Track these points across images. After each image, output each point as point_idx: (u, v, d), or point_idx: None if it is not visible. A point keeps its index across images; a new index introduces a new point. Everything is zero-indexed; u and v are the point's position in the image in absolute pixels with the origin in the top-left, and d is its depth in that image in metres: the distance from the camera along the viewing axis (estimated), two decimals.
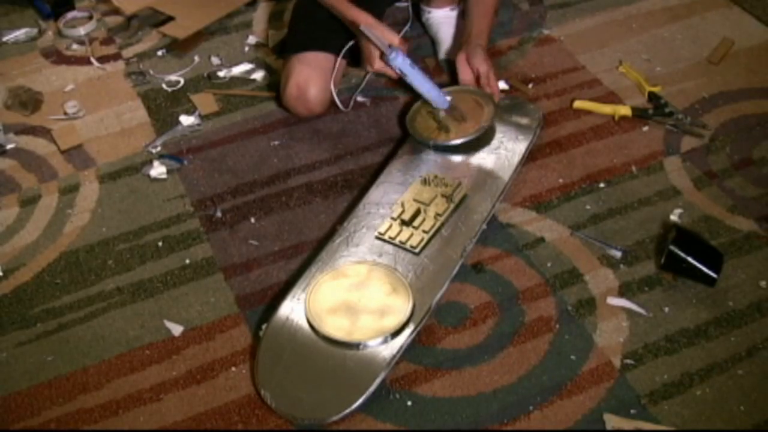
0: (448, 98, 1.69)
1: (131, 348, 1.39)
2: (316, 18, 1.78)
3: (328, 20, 1.75)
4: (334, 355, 1.32)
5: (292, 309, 1.39)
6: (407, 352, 1.33)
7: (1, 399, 1.33)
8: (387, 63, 1.63)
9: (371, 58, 1.66)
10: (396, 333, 1.33)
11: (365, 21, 1.65)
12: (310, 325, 1.35)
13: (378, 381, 1.27)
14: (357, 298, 1.39)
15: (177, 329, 1.41)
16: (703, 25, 2.05)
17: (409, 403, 1.29)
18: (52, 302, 1.47)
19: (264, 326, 1.38)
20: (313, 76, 1.74)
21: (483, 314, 1.41)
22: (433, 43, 2.01)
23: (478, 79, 1.74)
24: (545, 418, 1.26)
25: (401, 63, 1.61)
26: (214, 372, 1.35)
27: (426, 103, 1.71)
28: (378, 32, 1.62)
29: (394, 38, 1.63)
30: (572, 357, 1.34)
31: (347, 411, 1.25)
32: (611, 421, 1.25)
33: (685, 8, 2.11)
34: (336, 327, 1.34)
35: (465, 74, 1.76)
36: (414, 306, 1.37)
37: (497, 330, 1.38)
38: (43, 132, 1.84)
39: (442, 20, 1.99)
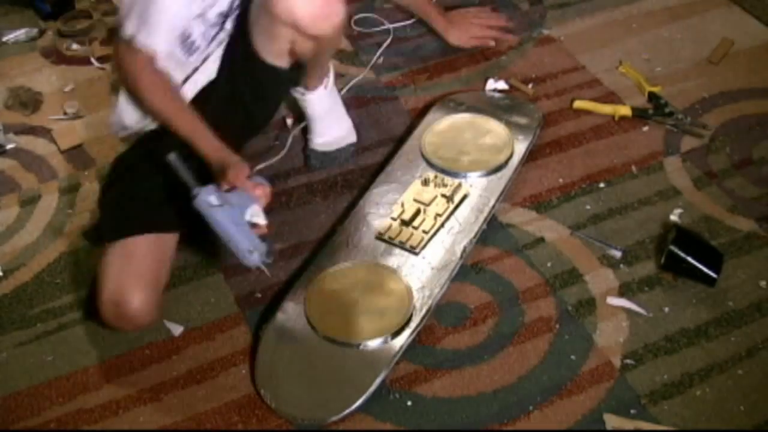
0: (256, 257, 1.27)
1: (131, 348, 1.39)
2: (134, 187, 1.41)
3: (152, 187, 1.38)
4: (334, 355, 1.32)
5: (292, 309, 1.38)
6: (407, 352, 1.33)
7: (1, 399, 1.33)
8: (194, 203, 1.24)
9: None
10: (396, 333, 1.33)
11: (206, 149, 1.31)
12: (311, 325, 1.35)
13: (378, 381, 1.27)
14: (357, 297, 1.39)
15: (177, 329, 1.41)
16: (703, 25, 2.05)
17: (409, 403, 1.29)
18: (52, 302, 1.47)
19: (264, 326, 1.38)
20: (132, 279, 1.32)
21: (483, 314, 1.41)
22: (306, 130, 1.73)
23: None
24: (545, 418, 1.26)
25: (202, 205, 1.23)
26: (214, 372, 1.35)
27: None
28: (217, 160, 1.28)
29: (238, 174, 1.26)
30: (572, 357, 1.34)
31: (347, 411, 1.25)
32: (611, 421, 1.25)
33: (685, 8, 2.11)
34: (336, 327, 1.34)
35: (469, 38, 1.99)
36: (414, 306, 1.37)
37: (497, 330, 1.38)
38: (43, 132, 1.84)
39: (317, 103, 1.67)
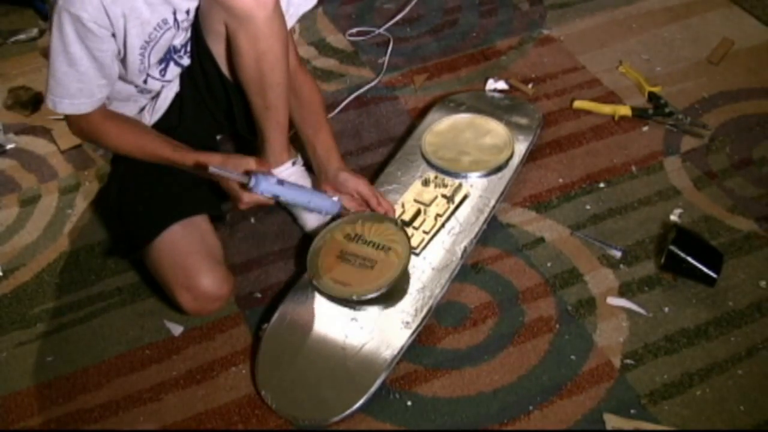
0: (335, 199, 1.42)
1: (131, 348, 1.39)
2: (144, 190, 1.44)
3: (161, 183, 1.42)
4: (334, 355, 1.32)
5: (293, 309, 1.39)
6: (407, 352, 1.33)
7: (1, 399, 1.33)
8: (254, 192, 1.30)
9: (237, 196, 1.34)
10: (389, 294, 1.36)
11: (211, 161, 1.34)
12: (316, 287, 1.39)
13: (378, 382, 1.27)
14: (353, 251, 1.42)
15: (177, 329, 1.41)
16: (703, 25, 2.05)
17: (409, 403, 1.29)
18: (52, 302, 1.47)
19: (264, 326, 1.38)
20: (190, 260, 1.36)
21: (483, 314, 1.41)
22: (294, 218, 1.59)
23: (366, 203, 1.48)
24: (545, 418, 1.26)
25: (267, 187, 1.31)
26: (214, 372, 1.35)
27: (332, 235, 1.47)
28: (230, 165, 1.33)
29: (249, 163, 1.34)
30: (572, 357, 1.34)
31: (348, 412, 1.25)
32: (611, 421, 1.25)
33: (685, 8, 2.11)
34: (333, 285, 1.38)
35: (347, 204, 1.48)
36: (407, 262, 1.39)
37: (497, 330, 1.38)
38: (43, 132, 1.84)
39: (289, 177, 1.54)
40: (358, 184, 1.47)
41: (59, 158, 1.77)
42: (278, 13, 1.33)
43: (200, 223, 1.42)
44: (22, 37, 2.14)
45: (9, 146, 1.81)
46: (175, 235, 1.37)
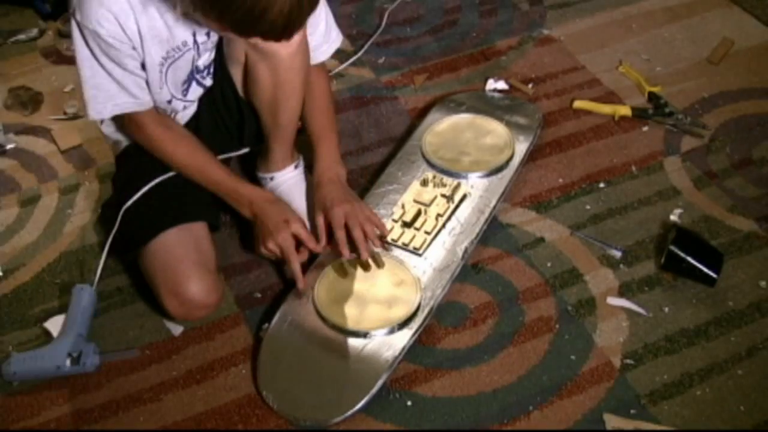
0: (67, 363, 1.32)
1: (131, 348, 1.39)
2: (156, 187, 1.42)
3: (163, 187, 1.42)
4: (335, 356, 1.32)
5: (293, 309, 1.38)
6: (407, 352, 1.33)
7: (1, 399, 1.33)
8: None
9: (263, 240, 1.37)
10: (403, 324, 1.33)
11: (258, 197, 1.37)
12: (318, 314, 1.35)
13: (380, 383, 1.27)
14: (365, 288, 1.39)
15: (177, 329, 1.41)
16: (703, 25, 2.05)
17: (409, 403, 1.29)
18: (52, 302, 1.47)
19: (264, 326, 1.38)
20: (180, 266, 1.34)
21: (483, 314, 1.41)
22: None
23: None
24: (545, 418, 1.26)
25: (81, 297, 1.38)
26: (214, 372, 1.35)
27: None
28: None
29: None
30: (572, 357, 1.34)
31: (349, 413, 1.25)
32: (611, 421, 1.25)
33: (685, 8, 2.11)
34: (344, 316, 1.35)
35: (336, 233, 1.40)
36: (421, 298, 1.37)
37: (497, 330, 1.38)
38: (43, 132, 1.84)
39: (292, 185, 1.56)
40: (342, 209, 1.40)
41: (59, 158, 1.77)
42: (302, 48, 1.35)
43: (197, 230, 1.41)
44: (22, 37, 2.14)
45: (9, 146, 1.81)
46: (169, 239, 1.36)
